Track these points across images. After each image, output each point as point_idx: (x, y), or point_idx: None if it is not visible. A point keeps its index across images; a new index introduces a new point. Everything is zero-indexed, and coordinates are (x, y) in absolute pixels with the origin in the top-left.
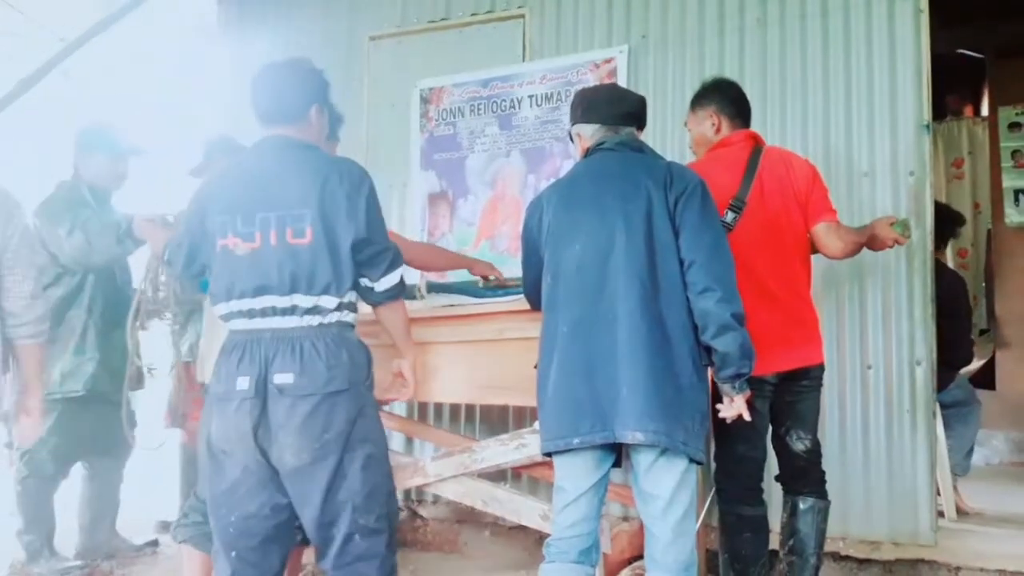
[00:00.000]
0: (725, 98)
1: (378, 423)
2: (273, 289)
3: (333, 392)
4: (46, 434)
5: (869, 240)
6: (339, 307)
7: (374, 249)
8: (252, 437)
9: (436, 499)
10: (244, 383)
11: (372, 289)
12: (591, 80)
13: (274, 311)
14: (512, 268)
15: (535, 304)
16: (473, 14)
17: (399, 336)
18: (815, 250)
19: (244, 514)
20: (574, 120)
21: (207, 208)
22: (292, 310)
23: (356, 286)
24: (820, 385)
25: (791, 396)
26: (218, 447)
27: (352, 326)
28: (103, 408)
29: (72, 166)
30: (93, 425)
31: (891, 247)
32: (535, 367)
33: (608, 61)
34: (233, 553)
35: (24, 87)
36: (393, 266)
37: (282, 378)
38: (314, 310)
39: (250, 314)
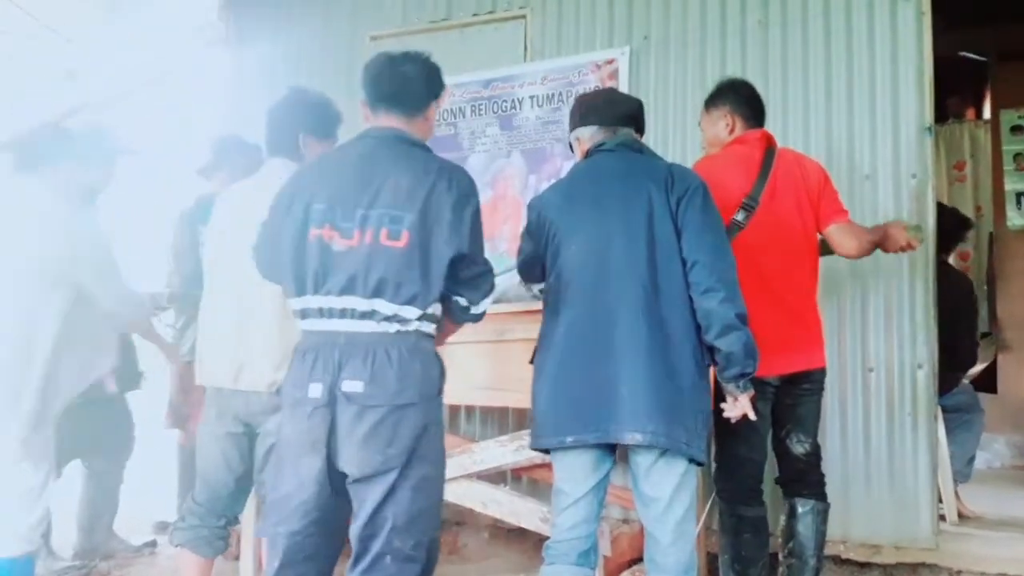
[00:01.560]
0: (739, 98)
1: (440, 442)
2: (357, 290)
3: (402, 405)
4: None
5: (882, 239)
6: (420, 318)
7: (476, 270)
8: (325, 445)
9: None
10: (317, 390)
11: (467, 310)
12: (592, 81)
13: (353, 313)
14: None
15: (527, 275)
16: (474, 15)
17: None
18: (825, 252)
19: (290, 530)
20: (573, 126)
21: (301, 193)
22: (371, 314)
23: (445, 301)
24: (821, 389)
25: (792, 399)
26: (286, 451)
27: (431, 337)
28: (100, 409)
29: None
30: (90, 426)
31: (903, 249)
32: (530, 362)
33: (610, 62)
34: (278, 563)
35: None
36: (492, 290)
37: (351, 385)
38: (394, 318)
39: (329, 313)
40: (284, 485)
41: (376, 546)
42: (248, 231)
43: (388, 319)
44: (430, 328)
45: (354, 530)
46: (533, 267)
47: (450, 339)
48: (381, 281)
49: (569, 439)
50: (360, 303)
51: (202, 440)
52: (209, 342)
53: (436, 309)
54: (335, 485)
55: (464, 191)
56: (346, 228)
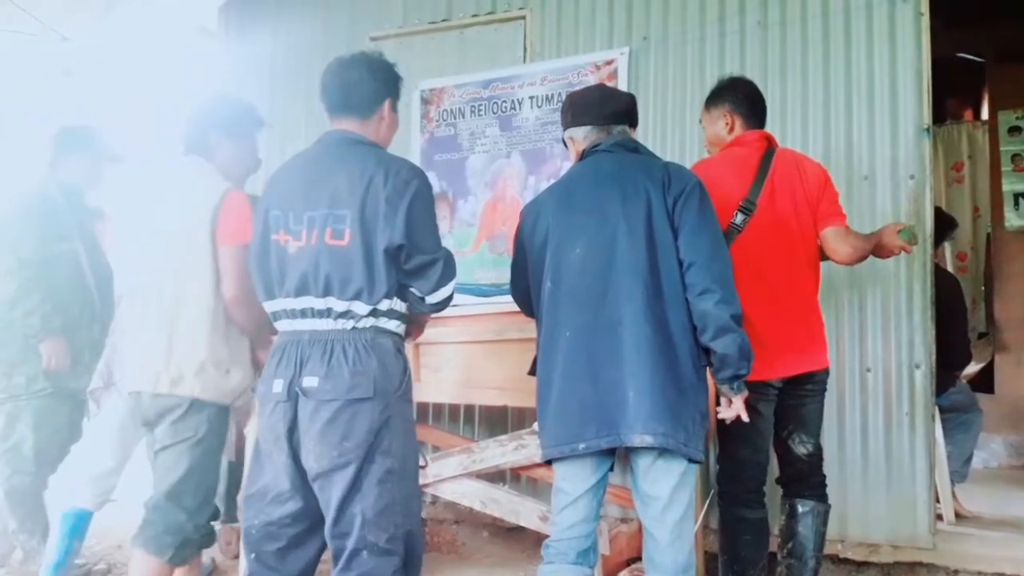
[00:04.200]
0: (739, 97)
1: (407, 436)
2: (310, 290)
3: (356, 399)
4: (25, 431)
5: (875, 248)
6: (373, 313)
7: (422, 260)
8: (287, 441)
9: (435, 499)
10: (278, 386)
11: (422, 300)
12: (592, 81)
13: (312, 312)
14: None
15: (524, 308)
16: (474, 15)
17: (415, 334)
18: (823, 255)
19: (266, 520)
20: (565, 125)
21: (262, 202)
22: (327, 312)
23: (403, 294)
24: (824, 389)
25: (795, 400)
26: (260, 446)
27: (392, 333)
28: (78, 405)
29: (48, 164)
30: (71, 421)
31: (897, 254)
32: (530, 373)
33: (609, 62)
34: (253, 555)
35: None
36: (445, 278)
37: (308, 381)
38: (347, 314)
39: (292, 314)
40: (261, 479)
41: (350, 543)
42: (150, 230)
43: (343, 316)
44: (389, 324)
45: (327, 530)
46: (523, 289)
47: (450, 339)
48: (328, 278)
49: (581, 446)
50: (316, 302)
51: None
52: (119, 344)
53: (394, 304)
54: (306, 479)
55: (400, 182)
56: (296, 231)
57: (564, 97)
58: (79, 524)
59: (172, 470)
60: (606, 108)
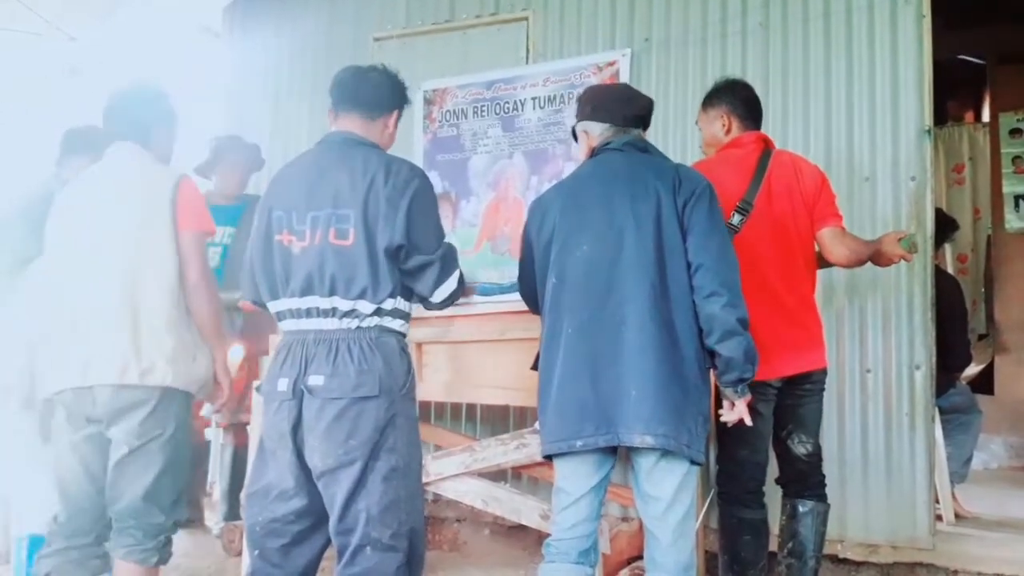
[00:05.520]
0: (736, 99)
1: (411, 435)
2: (316, 290)
3: (361, 397)
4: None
5: (875, 255)
6: (377, 312)
7: (419, 261)
8: (291, 438)
9: (436, 498)
10: (283, 385)
11: (427, 299)
12: (594, 82)
13: (317, 312)
14: (514, 270)
15: (532, 306)
16: (477, 16)
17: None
18: (824, 264)
19: (270, 517)
20: (581, 117)
21: (265, 204)
22: (332, 312)
23: (407, 293)
24: (823, 389)
25: (793, 400)
26: (264, 444)
27: (396, 332)
28: None
29: (55, 164)
30: None
31: (897, 263)
32: (532, 368)
33: (611, 64)
34: (256, 552)
35: None
36: (444, 276)
37: (314, 380)
38: (351, 313)
39: (297, 314)
40: (265, 476)
41: (355, 539)
42: (94, 216)
43: (348, 315)
44: (394, 323)
45: (332, 527)
46: (531, 287)
47: (450, 339)
48: (333, 278)
49: (579, 443)
50: (321, 302)
51: (57, 451)
52: (54, 339)
53: (398, 303)
54: (309, 476)
55: (401, 182)
56: (300, 231)
57: (567, 98)
58: (36, 550)
59: (146, 470)
60: (628, 110)
